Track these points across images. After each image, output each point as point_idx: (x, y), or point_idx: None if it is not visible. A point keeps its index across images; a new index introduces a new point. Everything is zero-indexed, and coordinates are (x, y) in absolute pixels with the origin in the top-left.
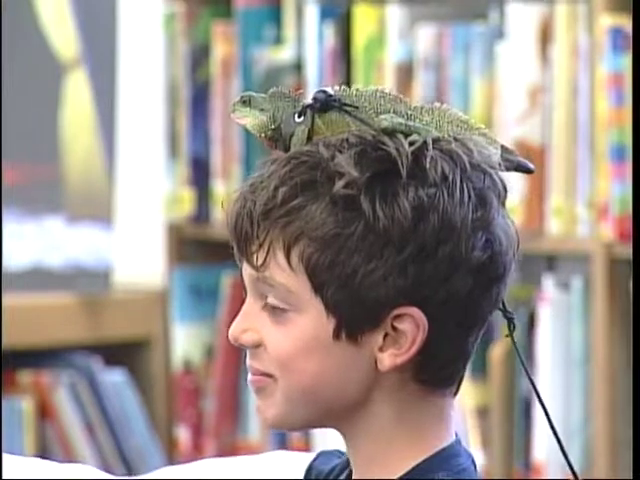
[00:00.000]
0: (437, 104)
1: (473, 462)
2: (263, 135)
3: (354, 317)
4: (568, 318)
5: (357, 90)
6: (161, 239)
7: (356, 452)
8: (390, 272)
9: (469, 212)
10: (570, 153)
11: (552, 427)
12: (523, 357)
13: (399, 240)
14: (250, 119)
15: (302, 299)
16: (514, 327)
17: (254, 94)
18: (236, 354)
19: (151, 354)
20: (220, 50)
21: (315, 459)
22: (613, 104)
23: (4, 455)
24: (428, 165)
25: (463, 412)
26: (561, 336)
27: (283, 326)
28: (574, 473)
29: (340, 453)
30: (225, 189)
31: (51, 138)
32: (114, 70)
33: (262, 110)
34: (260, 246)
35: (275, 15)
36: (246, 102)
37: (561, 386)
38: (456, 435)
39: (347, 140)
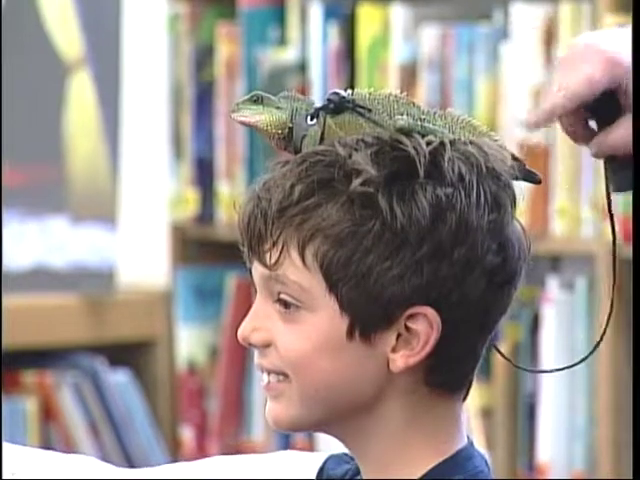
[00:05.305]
0: (449, 109)
1: (486, 463)
2: (279, 132)
3: (368, 316)
4: (572, 319)
5: (370, 93)
6: (165, 239)
7: (366, 457)
8: (405, 271)
9: (485, 214)
10: (574, 154)
11: None
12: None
13: (416, 239)
14: (265, 116)
15: (316, 297)
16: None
17: (264, 93)
18: (240, 355)
19: (155, 355)
20: (224, 51)
21: (325, 462)
22: None
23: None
24: (446, 165)
25: (467, 413)
26: (565, 337)
27: (295, 325)
28: None
29: (349, 457)
30: (229, 189)
31: (55, 138)
32: (118, 70)
33: (279, 108)
34: (274, 244)
35: (279, 16)
36: (257, 100)
37: (565, 387)
38: (468, 437)
39: (363, 140)
